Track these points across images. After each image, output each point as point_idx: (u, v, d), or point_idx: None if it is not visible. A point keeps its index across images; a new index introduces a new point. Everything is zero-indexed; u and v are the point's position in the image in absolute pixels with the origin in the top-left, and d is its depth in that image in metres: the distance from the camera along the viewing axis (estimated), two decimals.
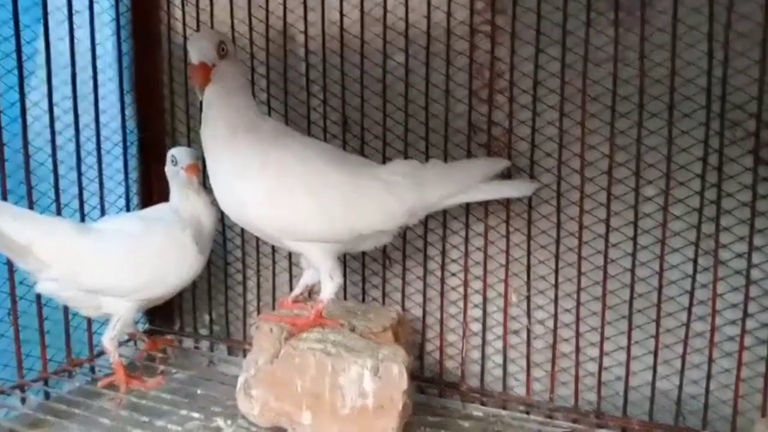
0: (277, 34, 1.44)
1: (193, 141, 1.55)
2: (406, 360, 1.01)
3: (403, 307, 1.40)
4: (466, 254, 1.33)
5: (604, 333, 1.23)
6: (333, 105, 1.42)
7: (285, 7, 1.42)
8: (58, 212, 1.33)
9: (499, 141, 1.29)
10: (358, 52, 1.37)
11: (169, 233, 1.25)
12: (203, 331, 1.61)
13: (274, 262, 1.51)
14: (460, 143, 1.31)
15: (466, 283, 1.34)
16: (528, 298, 1.30)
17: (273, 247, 1.51)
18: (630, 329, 1.21)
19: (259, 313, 1.54)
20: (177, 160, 1.27)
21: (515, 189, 1.21)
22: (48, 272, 1.16)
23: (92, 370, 1.39)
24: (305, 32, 1.41)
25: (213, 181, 1.16)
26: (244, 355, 1.53)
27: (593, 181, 1.22)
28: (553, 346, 1.28)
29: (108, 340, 1.23)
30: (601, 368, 1.24)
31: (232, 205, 1.14)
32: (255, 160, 1.10)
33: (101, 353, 1.40)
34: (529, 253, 1.28)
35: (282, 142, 1.14)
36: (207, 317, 1.60)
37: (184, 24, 1.52)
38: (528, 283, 1.29)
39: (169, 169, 1.28)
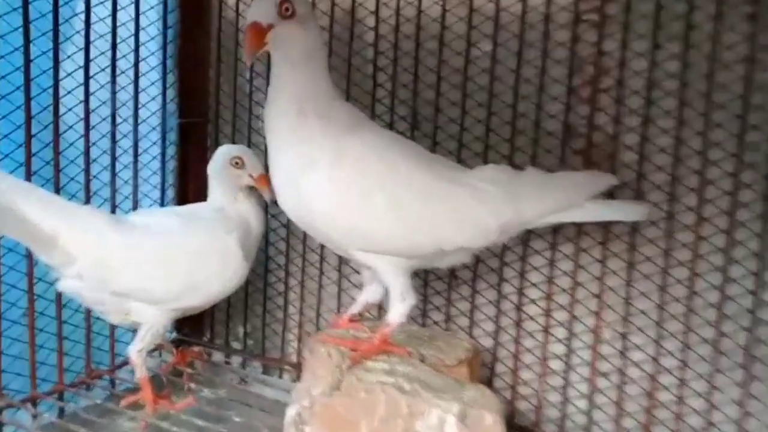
0: (344, 14, 1.27)
1: (237, 131, 1.39)
2: (500, 407, 0.82)
3: (470, 335, 1.21)
4: (551, 279, 1.15)
5: (714, 383, 1.04)
6: (402, 98, 1.24)
7: None
8: (87, 200, 1.17)
9: (600, 149, 1.11)
10: (436, 38, 1.19)
11: (213, 234, 1.08)
12: (236, 345, 1.43)
13: (321, 273, 1.34)
14: (552, 148, 1.13)
15: (548, 313, 1.15)
16: (624, 335, 1.11)
17: (321, 256, 1.33)
18: (747, 382, 1.02)
19: (301, 329, 1.36)
20: (245, 163, 1.12)
21: (625, 212, 1.01)
22: (73, 268, 0.99)
23: (112, 383, 1.22)
24: (376, 13, 1.23)
25: (274, 173, 0.98)
26: (280, 376, 1.38)
27: (713, 203, 1.03)
28: (651, 395, 1.08)
29: (135, 352, 1.06)
30: (709, 425, 1.04)
31: (294, 203, 0.97)
32: (326, 150, 0.93)
33: (123, 364, 1.23)
34: (628, 283, 1.09)
35: (359, 132, 0.96)
36: (241, 329, 1.42)
37: None
38: (625, 318, 1.10)
39: (225, 169, 1.12)
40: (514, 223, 0.98)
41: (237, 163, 1.12)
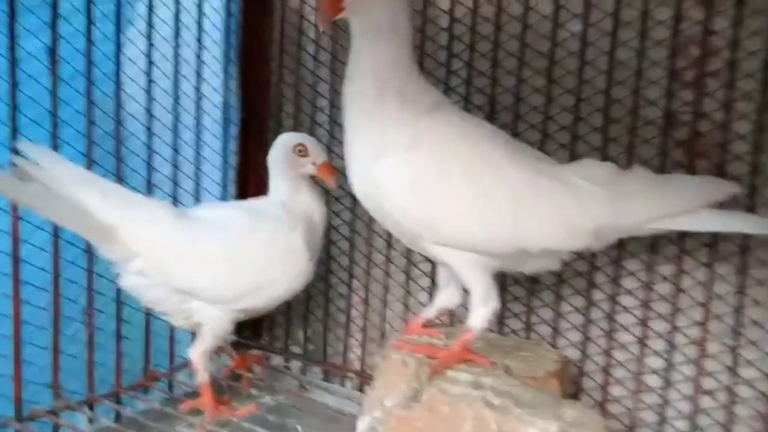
0: None
1: (299, 124, 1.33)
2: (606, 430, 0.71)
3: (553, 345, 1.10)
4: (648, 285, 1.03)
5: None
6: (479, 85, 1.14)
7: None
8: (149, 192, 1.11)
9: (706, 139, 0.98)
10: (518, 20, 1.09)
11: (278, 231, 1.02)
12: (295, 350, 1.36)
13: (387, 275, 1.25)
14: (652, 139, 1.01)
15: (644, 323, 1.03)
16: (733, 349, 0.98)
17: (387, 256, 1.24)
18: None
19: (365, 334, 1.28)
20: (309, 151, 1.06)
21: (752, 224, 0.87)
22: (134, 263, 0.93)
23: (170, 386, 1.16)
24: None
25: (348, 158, 0.90)
26: (342, 383, 1.29)
27: None
28: (765, 417, 0.95)
29: (197, 354, 0.99)
30: None
31: (368, 190, 0.88)
32: (404, 132, 0.85)
33: (182, 366, 1.17)
34: (739, 291, 0.97)
35: (441, 114, 0.87)
36: (301, 334, 1.35)
37: None
38: (735, 329, 0.97)
39: (287, 157, 1.06)
40: (613, 228, 0.87)
41: (300, 151, 1.06)
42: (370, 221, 1.23)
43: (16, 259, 0.94)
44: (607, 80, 1.03)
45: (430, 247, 0.89)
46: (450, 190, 0.84)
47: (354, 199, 1.15)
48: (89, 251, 1.01)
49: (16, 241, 0.94)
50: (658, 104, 1.00)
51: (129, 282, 0.96)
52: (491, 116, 1.13)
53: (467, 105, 1.15)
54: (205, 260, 0.96)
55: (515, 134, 1.10)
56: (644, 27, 1.00)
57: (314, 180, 1.10)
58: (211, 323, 1.00)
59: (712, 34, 0.97)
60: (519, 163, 0.86)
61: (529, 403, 0.76)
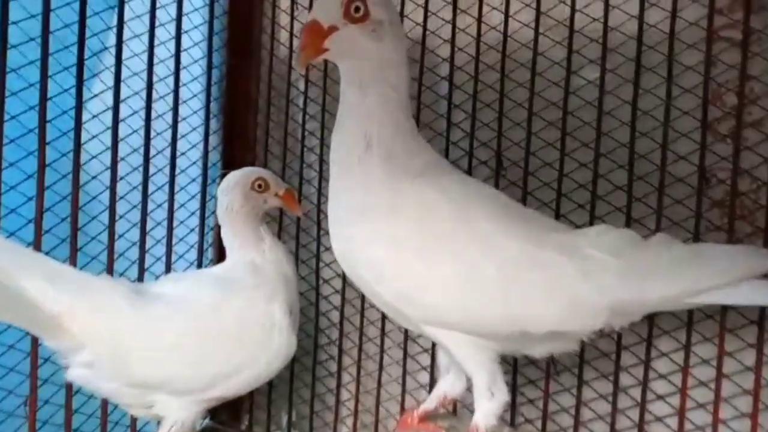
0: (413, 44, 1.09)
1: (287, 181, 1.20)
2: None
3: None
4: (686, 368, 0.88)
5: None
6: (483, 139, 1.03)
7: (426, 9, 1.06)
8: (110, 264, 0.98)
9: (747, 198, 0.85)
10: (527, 67, 0.98)
11: (253, 304, 0.88)
12: None
13: (381, 351, 1.10)
14: (684, 198, 0.88)
15: (682, 413, 0.88)
16: None
17: (382, 329, 1.10)
18: None
19: (356, 419, 1.12)
20: (268, 184, 0.93)
21: None
22: (82, 354, 0.80)
23: None
24: (452, 41, 1.04)
25: (329, 215, 0.77)
26: None
27: None
28: None
29: None
30: None
31: (343, 254, 0.76)
32: (385, 195, 0.72)
33: None
34: None
35: (431, 178, 0.75)
36: (285, 417, 1.20)
37: (291, 34, 1.19)
38: None
39: (247, 197, 0.92)
40: (634, 305, 0.72)
41: (260, 186, 0.93)
42: None
43: None
44: (630, 132, 0.90)
45: (418, 325, 0.75)
46: (430, 263, 0.71)
47: None
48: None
49: None
50: (690, 159, 0.88)
51: (78, 374, 0.82)
52: (497, 173, 1.00)
53: (471, 160, 1.03)
54: (168, 349, 0.82)
55: (525, 193, 0.98)
56: (670, 72, 0.88)
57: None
58: (178, 415, 0.86)
59: (750, 80, 0.85)
60: (515, 232, 0.72)
61: None
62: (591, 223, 0.93)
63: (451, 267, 0.72)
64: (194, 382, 0.85)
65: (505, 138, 1.00)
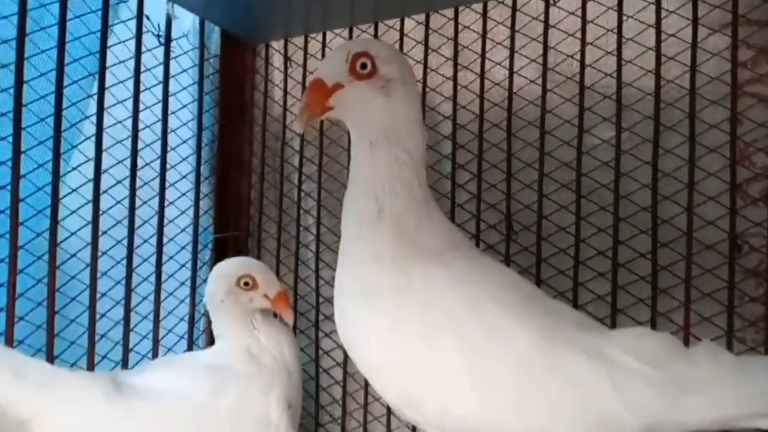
0: None
1: (283, 246, 1.14)
2: None
3: None
4: None
5: None
6: (491, 201, 0.96)
7: (425, 66, 1.00)
8: (91, 347, 0.90)
9: None
10: (534, 125, 0.92)
11: (248, 396, 0.80)
12: None
13: (389, 430, 1.01)
14: (715, 268, 0.80)
15: None
16: None
17: (388, 407, 1.01)
18: None
19: None
20: (257, 282, 0.84)
21: None
22: None
23: None
24: (453, 98, 0.98)
25: (336, 281, 0.69)
26: None
27: None
28: None
29: None
30: None
31: (346, 333, 0.68)
32: (389, 277, 0.65)
33: None
34: None
35: (445, 259, 0.67)
36: None
37: (285, 91, 1.14)
38: None
39: (231, 294, 0.84)
40: (669, 423, 0.63)
41: (246, 284, 0.84)
42: None
43: None
44: (652, 196, 0.83)
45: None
46: (434, 358, 0.63)
47: None
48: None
49: None
50: (719, 225, 0.80)
51: None
52: (508, 239, 0.93)
53: (478, 224, 0.96)
54: None
55: (539, 260, 0.90)
56: (692, 131, 0.81)
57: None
58: None
59: None
60: (536, 329, 0.63)
61: None
62: (613, 294, 0.85)
63: (457, 365, 0.63)
64: None
65: (515, 200, 0.93)
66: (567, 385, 0.61)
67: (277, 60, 1.16)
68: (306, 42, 1.11)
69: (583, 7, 0.88)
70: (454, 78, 0.98)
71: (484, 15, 0.96)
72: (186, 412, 0.77)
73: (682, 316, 0.80)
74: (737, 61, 0.80)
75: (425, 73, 1.00)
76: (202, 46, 1.10)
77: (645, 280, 0.84)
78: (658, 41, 0.84)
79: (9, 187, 0.81)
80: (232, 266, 0.85)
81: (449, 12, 0.99)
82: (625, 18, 0.86)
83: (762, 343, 0.79)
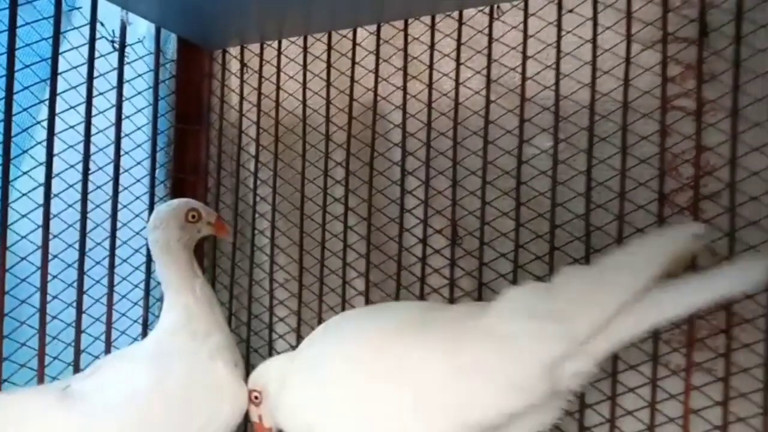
0: (364, 109, 1.05)
1: (238, 249, 1.16)
2: None
3: None
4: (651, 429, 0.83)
5: None
6: (437, 207, 0.99)
7: (377, 75, 1.03)
8: (42, 350, 0.91)
9: None
10: (479, 135, 0.95)
11: (193, 368, 0.82)
12: None
13: None
14: None
15: None
16: None
17: None
18: None
19: None
20: (200, 213, 0.89)
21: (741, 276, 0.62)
22: None
23: None
24: (403, 107, 1.01)
25: None
26: None
27: None
28: None
29: None
30: None
31: None
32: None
33: None
34: None
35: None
36: None
37: (241, 97, 1.15)
38: None
39: (185, 229, 0.88)
40: (572, 353, 0.66)
41: (194, 216, 0.89)
42: None
43: None
44: (585, 204, 0.87)
45: None
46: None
47: None
48: None
49: None
50: (648, 232, 0.84)
51: None
52: (453, 244, 0.96)
53: (425, 228, 0.99)
54: None
55: (482, 265, 0.94)
56: (625, 142, 0.85)
57: None
58: None
59: (706, 151, 0.83)
60: (434, 347, 0.69)
61: None
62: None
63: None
64: None
65: (460, 207, 0.97)
66: (474, 374, 0.67)
67: (234, 66, 1.17)
68: (262, 49, 1.13)
69: (525, 22, 0.92)
70: (404, 88, 1.01)
71: (432, 27, 0.99)
72: (138, 405, 0.79)
73: None
74: (667, 77, 0.84)
75: (376, 82, 1.03)
76: (158, 51, 1.11)
77: None
78: (594, 56, 0.88)
79: None
80: (178, 204, 0.89)
81: (399, 23, 1.01)
82: (563, 33, 0.90)
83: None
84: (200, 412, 0.81)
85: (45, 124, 0.93)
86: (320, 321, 1.04)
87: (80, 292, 0.98)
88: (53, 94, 0.93)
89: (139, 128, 1.10)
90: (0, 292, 0.87)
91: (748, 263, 0.62)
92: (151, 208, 1.11)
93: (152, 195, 1.11)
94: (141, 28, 1.09)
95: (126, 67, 1.04)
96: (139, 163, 1.10)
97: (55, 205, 0.95)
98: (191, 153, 1.18)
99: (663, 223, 0.84)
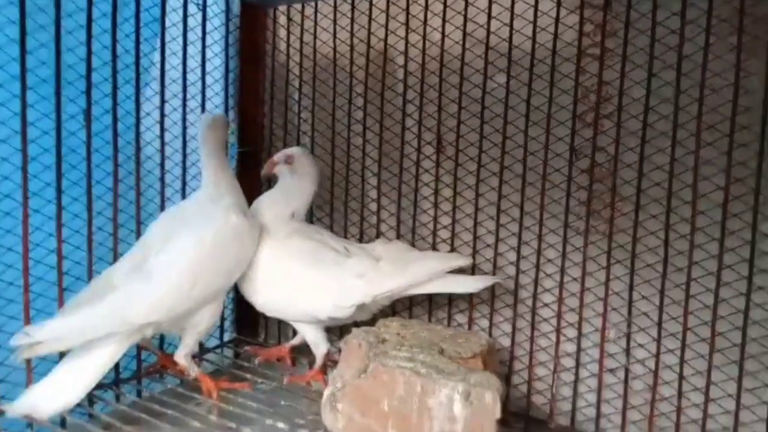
0: (378, 54, 1.46)
1: None
2: (500, 388, 0.96)
3: (490, 334, 1.35)
4: (561, 284, 1.28)
5: (710, 378, 1.13)
6: (428, 125, 1.41)
7: (387, 29, 1.44)
8: (138, 231, 1.37)
9: (602, 167, 1.24)
10: (457, 73, 1.36)
11: (216, 226, 1.23)
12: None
13: None
14: (561, 168, 1.27)
15: (559, 316, 1.28)
16: (628, 335, 1.22)
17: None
18: (740, 376, 1.11)
19: (341, 330, 1.54)
20: (230, 125, 1.36)
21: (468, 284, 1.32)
22: None
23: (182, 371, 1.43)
24: (405, 53, 1.42)
25: None
26: (326, 372, 1.54)
27: (706, 214, 1.14)
28: (653, 389, 1.19)
29: (181, 357, 1.27)
30: (705, 416, 1.14)
31: None
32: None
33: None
34: (631, 288, 1.21)
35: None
36: (291, 331, 1.61)
37: (288, 44, 1.57)
38: (629, 319, 1.22)
39: (226, 134, 1.33)
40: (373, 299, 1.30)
41: (228, 127, 1.35)
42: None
43: None
44: (525, 122, 1.29)
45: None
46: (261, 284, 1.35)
47: None
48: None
49: None
50: (565, 140, 1.26)
51: None
52: (438, 151, 1.39)
53: (419, 141, 1.41)
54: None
55: (458, 165, 1.37)
56: (553, 79, 1.26)
57: None
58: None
59: (606, 85, 1.23)
60: (308, 265, 1.33)
61: (447, 372, 1.01)
62: (500, 185, 1.32)
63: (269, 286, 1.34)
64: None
65: (444, 125, 1.39)
66: (319, 289, 1.32)
67: (283, 20, 1.58)
68: (303, 8, 1.54)
69: None
70: (406, 38, 1.41)
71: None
72: (184, 266, 1.18)
73: None
74: (582, 32, 1.23)
75: (386, 34, 1.43)
76: (227, 9, 1.53)
77: (519, 177, 1.30)
78: (535, 17, 1.27)
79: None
80: (221, 116, 1.33)
81: None
82: (516, 1, 1.29)
83: None
84: (229, 263, 1.25)
85: (158, 65, 1.37)
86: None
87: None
88: (163, 44, 1.36)
89: (216, 68, 1.53)
90: None
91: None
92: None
93: (226, 107, 1.55)
94: None
95: (206, 23, 1.46)
96: (217, 94, 1.54)
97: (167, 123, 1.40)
98: (252, 87, 1.61)
99: (575, 136, 1.25)
